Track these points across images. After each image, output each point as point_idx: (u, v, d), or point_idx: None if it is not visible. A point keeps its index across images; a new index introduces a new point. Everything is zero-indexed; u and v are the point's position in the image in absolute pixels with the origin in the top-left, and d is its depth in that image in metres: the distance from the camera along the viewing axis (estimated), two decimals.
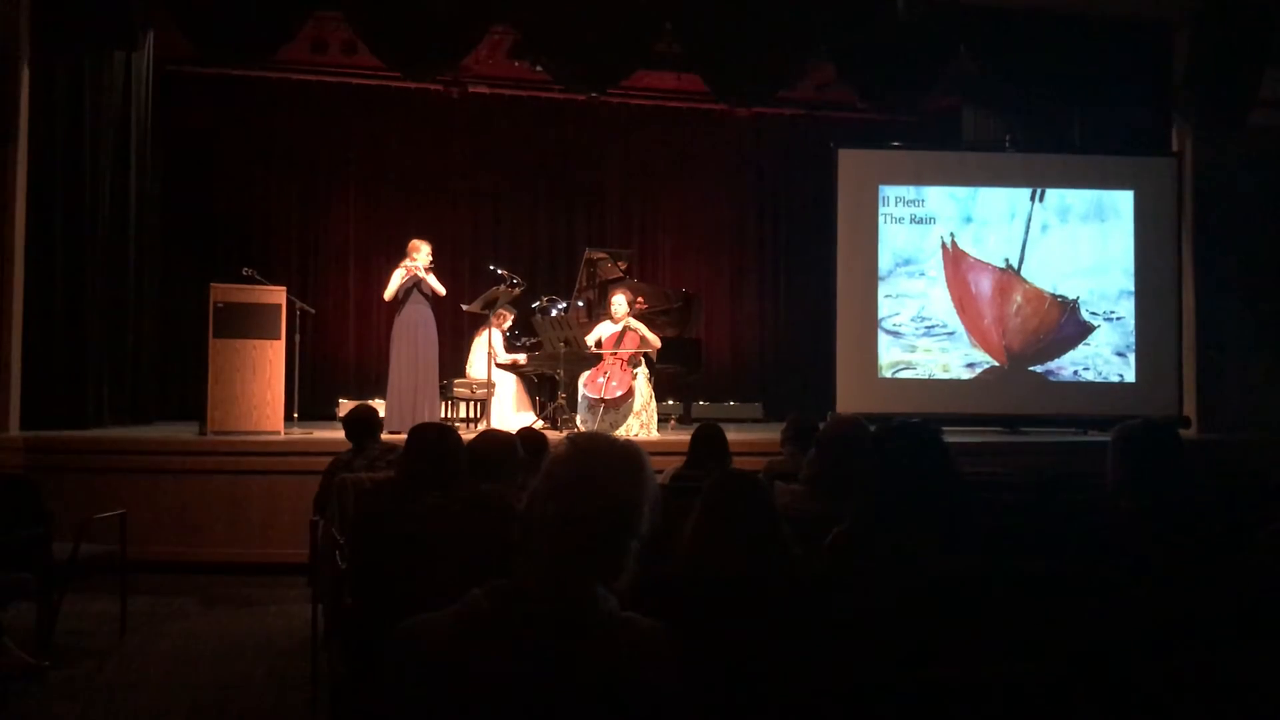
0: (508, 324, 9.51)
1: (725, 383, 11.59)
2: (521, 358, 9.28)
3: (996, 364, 9.36)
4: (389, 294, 8.36)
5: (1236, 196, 9.08)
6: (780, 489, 3.68)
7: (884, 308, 9.32)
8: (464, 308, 9.26)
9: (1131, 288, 9.31)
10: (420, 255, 8.34)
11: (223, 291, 7.76)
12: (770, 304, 12.20)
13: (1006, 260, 9.39)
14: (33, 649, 4.79)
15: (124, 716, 4.28)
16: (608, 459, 1.70)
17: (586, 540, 1.65)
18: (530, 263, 11.08)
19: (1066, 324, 9.35)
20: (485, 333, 9.00)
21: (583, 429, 8.08)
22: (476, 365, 9.16)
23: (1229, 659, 2.17)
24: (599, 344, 8.48)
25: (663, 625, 1.70)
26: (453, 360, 9.13)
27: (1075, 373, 9.35)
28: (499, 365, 9.04)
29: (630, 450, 1.73)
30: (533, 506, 1.69)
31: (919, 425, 2.83)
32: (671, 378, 10.01)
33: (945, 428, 3.18)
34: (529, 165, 11.53)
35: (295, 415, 8.52)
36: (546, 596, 1.64)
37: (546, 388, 9.34)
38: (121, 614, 5.44)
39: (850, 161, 9.45)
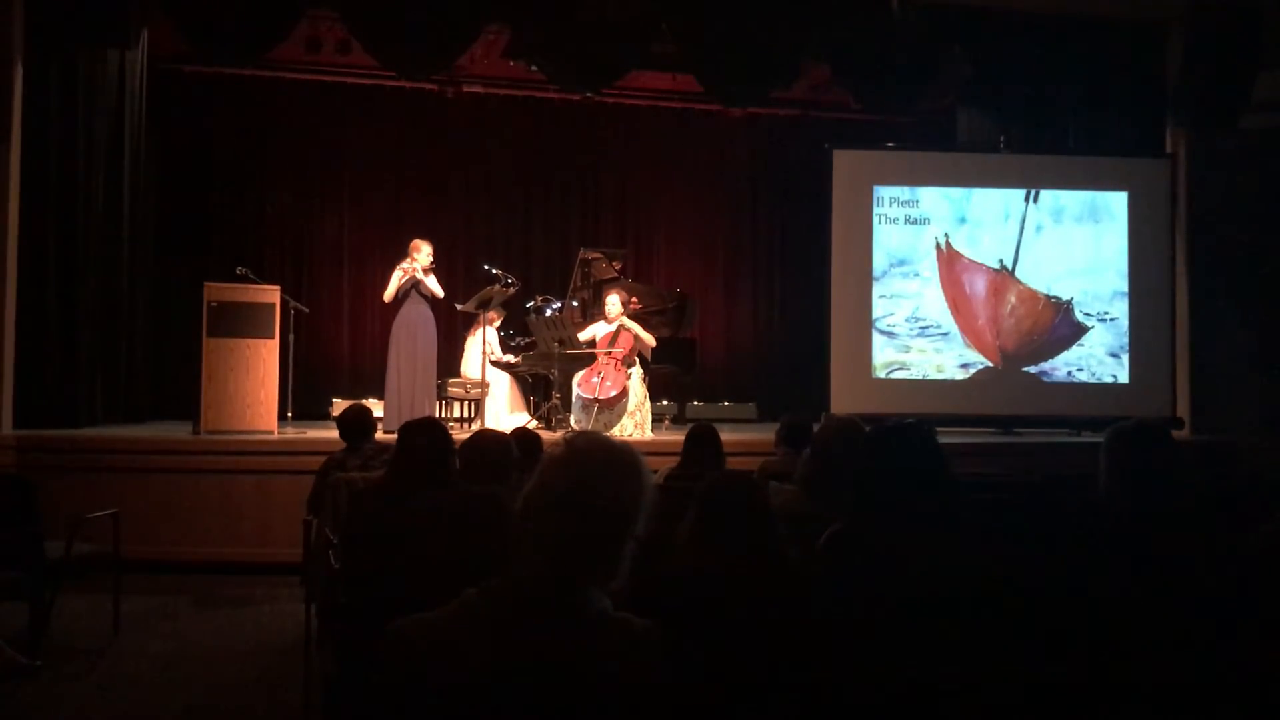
0: (497, 323, 9.49)
1: (719, 383, 11.59)
2: (516, 358, 9.27)
3: (990, 365, 9.37)
4: (388, 294, 8.36)
5: (1230, 198, 9.11)
6: (774, 489, 3.68)
7: (878, 308, 9.32)
8: (458, 307, 9.25)
9: (1125, 289, 9.32)
10: (421, 255, 8.34)
11: (216, 290, 7.75)
12: (765, 304, 12.20)
13: (1001, 261, 9.40)
14: (25, 648, 4.77)
15: (116, 716, 4.27)
16: (604, 461, 1.70)
17: (582, 543, 1.65)
18: (524, 262, 11.07)
19: (1060, 325, 9.37)
20: (478, 332, 9.00)
21: (577, 429, 8.08)
22: (470, 365, 9.15)
23: (1223, 659, 2.17)
24: (593, 343, 8.48)
25: (657, 626, 1.70)
26: (446, 361, 9.11)
27: (1069, 373, 9.36)
28: (494, 363, 9.02)
29: (626, 452, 1.73)
30: (528, 508, 1.69)
31: (913, 425, 2.83)
32: (666, 378, 10.01)
33: (939, 428, 3.18)
34: (523, 165, 11.51)
35: (289, 415, 8.50)
36: (540, 597, 1.64)
37: (541, 388, 9.34)
38: (114, 613, 5.42)
39: (845, 162, 9.45)
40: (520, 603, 1.64)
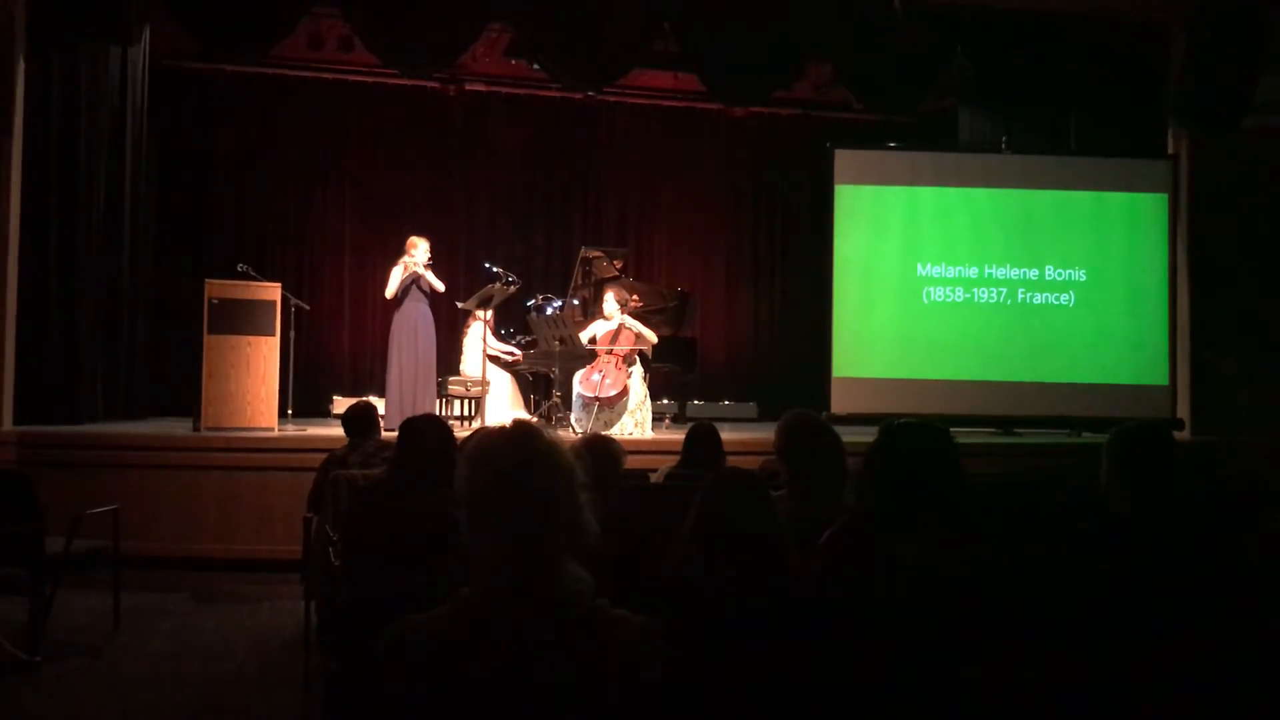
0: (488, 315, 9.42)
1: (720, 382, 11.58)
2: (516, 352, 9.26)
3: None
4: (390, 291, 8.36)
5: (1232, 199, 9.09)
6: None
7: (879, 308, 9.30)
8: (460, 305, 9.25)
9: (1126, 290, 9.31)
10: (418, 252, 8.34)
11: (217, 288, 7.75)
12: (765, 303, 12.20)
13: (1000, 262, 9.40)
14: (25, 644, 4.78)
15: (116, 712, 4.27)
16: (500, 449, 1.70)
17: (533, 517, 1.65)
18: (526, 261, 11.06)
19: (1059, 325, 9.35)
20: (472, 330, 8.99)
21: (577, 427, 8.09)
22: (469, 363, 9.15)
23: (1223, 659, 2.17)
24: (594, 341, 8.48)
25: (655, 623, 1.70)
26: (445, 358, 9.12)
27: (1069, 374, 9.34)
28: (490, 357, 9.00)
29: (519, 429, 1.75)
30: (471, 527, 1.69)
31: (930, 426, 2.80)
32: (666, 377, 10.02)
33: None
34: (525, 163, 11.51)
35: (289, 412, 8.51)
36: (527, 589, 1.64)
37: (541, 386, 9.34)
38: (114, 610, 5.43)
39: (846, 161, 9.44)
40: (513, 601, 1.63)
